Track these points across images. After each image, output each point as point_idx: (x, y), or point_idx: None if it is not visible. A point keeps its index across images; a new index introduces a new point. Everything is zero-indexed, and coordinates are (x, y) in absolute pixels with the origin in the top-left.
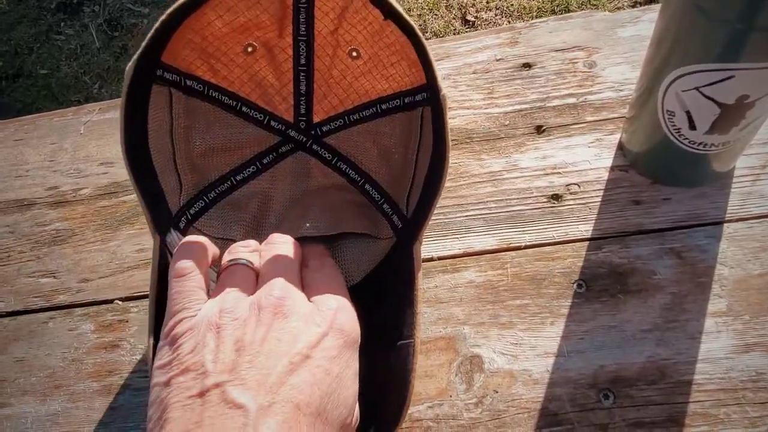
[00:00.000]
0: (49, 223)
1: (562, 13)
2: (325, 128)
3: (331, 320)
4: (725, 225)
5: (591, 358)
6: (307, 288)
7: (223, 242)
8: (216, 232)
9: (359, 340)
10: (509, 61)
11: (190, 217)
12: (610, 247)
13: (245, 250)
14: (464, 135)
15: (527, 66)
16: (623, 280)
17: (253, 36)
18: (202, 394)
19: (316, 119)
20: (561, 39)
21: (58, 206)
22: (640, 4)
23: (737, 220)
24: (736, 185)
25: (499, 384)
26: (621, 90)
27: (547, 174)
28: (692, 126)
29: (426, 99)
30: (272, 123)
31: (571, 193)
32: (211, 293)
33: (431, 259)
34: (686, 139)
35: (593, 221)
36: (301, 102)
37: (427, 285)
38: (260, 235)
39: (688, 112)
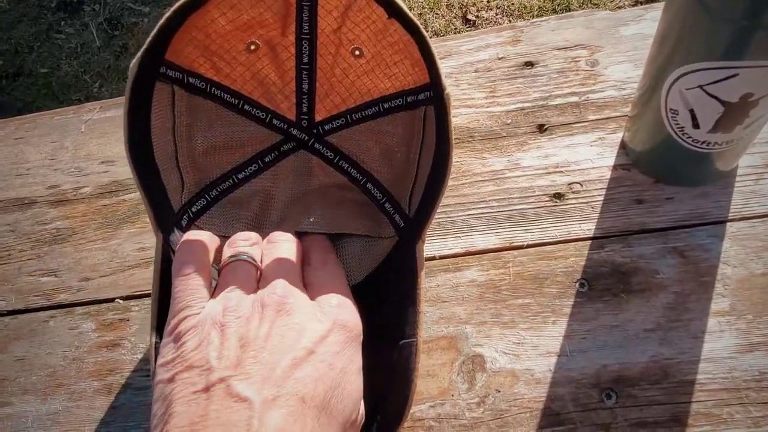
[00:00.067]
0: (49, 222)
1: (563, 12)
2: (327, 127)
3: (333, 317)
4: (728, 224)
5: (593, 358)
6: (309, 286)
7: (225, 240)
8: (218, 230)
9: (362, 336)
10: (511, 60)
11: (191, 215)
12: (613, 246)
13: (246, 244)
14: (466, 134)
15: (529, 65)
16: (626, 279)
17: (256, 34)
18: (207, 389)
19: (318, 118)
20: (563, 37)
21: (59, 205)
22: (641, 3)
23: (740, 219)
24: (739, 184)
25: (501, 383)
26: (623, 89)
27: (550, 173)
28: (695, 124)
29: (429, 98)
30: (274, 121)
31: (573, 192)
32: (214, 290)
33: (433, 258)
34: (689, 137)
35: (596, 220)
36: (304, 100)
37: (429, 284)
38: (262, 234)
39: (691, 111)
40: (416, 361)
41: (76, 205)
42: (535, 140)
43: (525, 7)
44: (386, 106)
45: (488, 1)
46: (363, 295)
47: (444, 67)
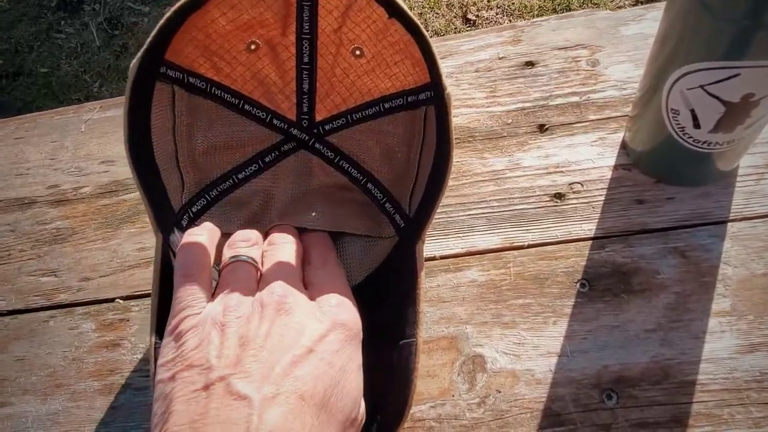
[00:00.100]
0: (49, 222)
1: (563, 12)
2: (327, 127)
3: (333, 316)
4: (729, 224)
5: (594, 358)
6: (309, 286)
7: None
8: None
9: (362, 335)
10: (512, 60)
11: (192, 215)
12: (614, 247)
13: (245, 245)
14: (467, 134)
15: (530, 64)
16: (627, 279)
17: (256, 34)
18: (206, 388)
19: (318, 118)
20: (564, 37)
21: (59, 205)
22: (642, 2)
23: (741, 220)
24: (740, 184)
25: (502, 384)
26: (624, 88)
27: (550, 173)
28: (697, 124)
29: (429, 98)
30: (274, 121)
31: (574, 192)
32: (214, 291)
33: (434, 258)
34: (690, 137)
35: (596, 220)
36: (304, 100)
37: (430, 284)
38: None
39: (692, 111)
40: (416, 361)
41: (76, 204)
42: (536, 140)
43: (525, 6)
44: (387, 106)
45: (488, 1)
46: (363, 295)
47: (444, 66)
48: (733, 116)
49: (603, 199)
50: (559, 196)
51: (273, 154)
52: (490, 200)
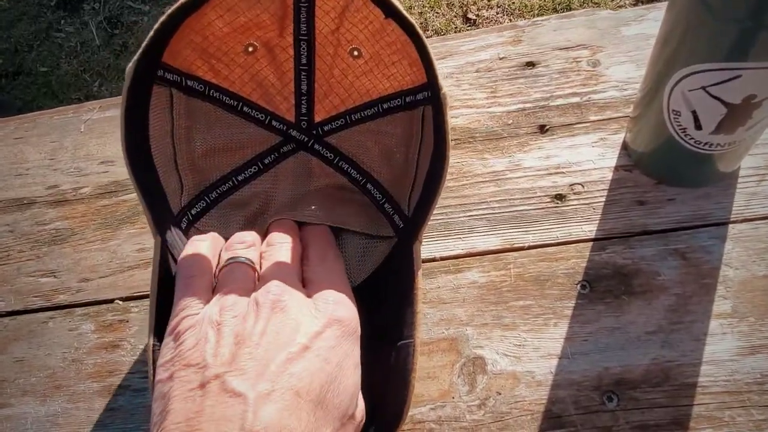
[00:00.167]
0: (49, 222)
1: (563, 11)
2: (326, 128)
3: (329, 313)
4: (730, 226)
5: (595, 360)
6: (308, 282)
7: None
8: (217, 232)
9: (359, 331)
10: (512, 60)
11: (191, 217)
12: (614, 248)
13: (241, 247)
14: (467, 134)
15: (530, 65)
16: (627, 281)
17: (253, 36)
18: (202, 386)
19: (317, 119)
20: (565, 37)
21: (58, 205)
22: (642, 2)
23: (742, 221)
24: (741, 185)
25: (502, 386)
26: (625, 89)
27: (551, 174)
28: (698, 126)
29: (427, 98)
30: (273, 123)
31: (574, 193)
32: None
33: (434, 260)
34: (692, 139)
35: (597, 221)
36: (303, 101)
37: (430, 285)
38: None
39: (694, 112)
40: (414, 362)
41: (75, 205)
42: (537, 141)
43: (526, 6)
44: (385, 106)
45: (489, 0)
46: (363, 296)
47: (445, 67)
48: (735, 118)
49: (604, 200)
50: (559, 197)
51: (272, 156)
52: (490, 201)
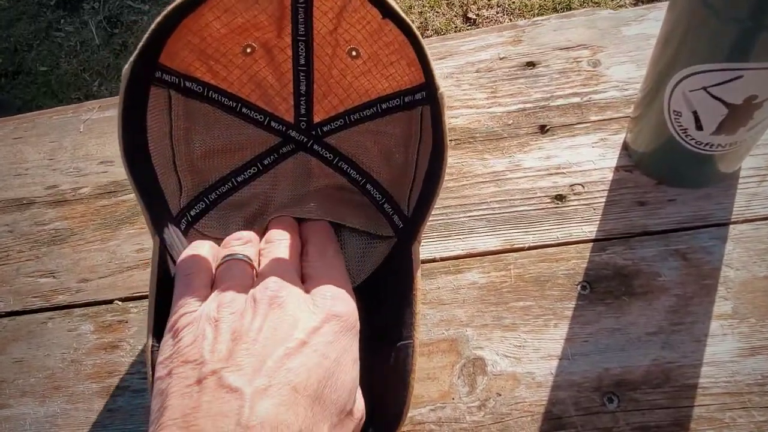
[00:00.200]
0: (48, 223)
1: (563, 11)
2: (325, 128)
3: (327, 308)
4: (731, 226)
5: (595, 361)
6: (307, 278)
7: None
8: (216, 233)
9: (358, 326)
10: (513, 60)
11: (190, 219)
12: (615, 249)
13: (238, 243)
14: (467, 134)
15: (531, 65)
16: (628, 282)
17: (251, 37)
18: (199, 382)
19: (316, 119)
20: (565, 37)
21: (58, 205)
22: (643, 2)
23: (743, 222)
24: (742, 186)
25: (503, 387)
26: (626, 89)
27: (551, 174)
28: (699, 126)
29: (425, 98)
30: (272, 124)
31: (575, 194)
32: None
33: (434, 260)
34: (693, 139)
35: (597, 222)
36: (302, 102)
37: (430, 286)
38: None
39: (695, 113)
40: (413, 363)
41: (74, 205)
42: (537, 141)
43: (526, 5)
44: (384, 106)
45: (488, 0)
46: (363, 296)
47: (445, 66)
48: (736, 118)
49: (604, 200)
50: (560, 197)
51: (272, 157)
52: (490, 201)
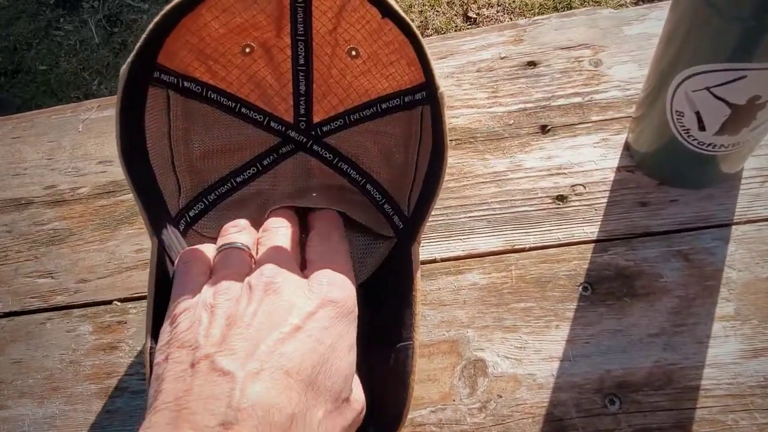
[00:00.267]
0: (46, 223)
1: (564, 10)
2: (325, 128)
3: (323, 294)
4: (733, 227)
5: (597, 363)
6: (309, 263)
7: None
8: (215, 234)
9: (356, 312)
10: (514, 60)
11: (189, 219)
12: (616, 250)
13: (235, 231)
14: (468, 134)
15: (532, 64)
16: (629, 283)
17: (250, 36)
18: (192, 366)
19: (316, 119)
20: (566, 37)
21: (56, 205)
22: (644, 1)
23: (745, 222)
24: (745, 187)
25: (503, 388)
26: (627, 89)
27: (552, 174)
28: (702, 127)
29: (425, 98)
30: (272, 124)
31: (576, 194)
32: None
33: (434, 261)
34: (695, 140)
35: (599, 223)
36: (301, 102)
37: (430, 287)
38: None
39: (697, 113)
40: (413, 364)
41: (73, 205)
42: (538, 141)
43: (526, 5)
44: (384, 106)
45: None
46: (363, 296)
47: (446, 66)
48: (739, 119)
49: (605, 201)
50: (561, 198)
51: (271, 157)
52: (491, 202)
